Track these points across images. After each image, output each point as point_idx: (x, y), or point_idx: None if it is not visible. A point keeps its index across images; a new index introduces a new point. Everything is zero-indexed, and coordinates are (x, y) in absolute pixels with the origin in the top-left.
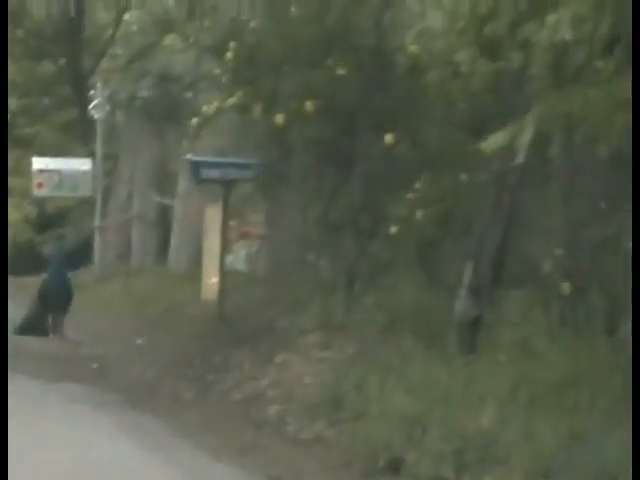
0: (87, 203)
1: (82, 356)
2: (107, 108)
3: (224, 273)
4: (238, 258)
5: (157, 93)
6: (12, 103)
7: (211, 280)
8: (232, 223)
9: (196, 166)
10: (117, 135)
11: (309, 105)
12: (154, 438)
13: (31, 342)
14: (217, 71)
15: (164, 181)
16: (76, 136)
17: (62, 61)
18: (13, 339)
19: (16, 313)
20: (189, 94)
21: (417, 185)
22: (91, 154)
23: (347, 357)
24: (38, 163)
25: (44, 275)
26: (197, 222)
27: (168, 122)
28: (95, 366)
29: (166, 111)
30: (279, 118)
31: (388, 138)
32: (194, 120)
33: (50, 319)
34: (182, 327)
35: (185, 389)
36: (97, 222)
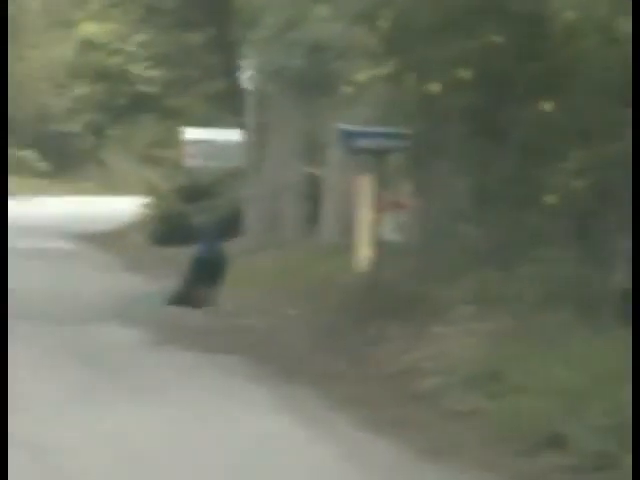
0: (237, 174)
1: (235, 328)
2: (257, 78)
3: (376, 244)
4: (388, 228)
5: (307, 63)
6: (161, 74)
7: (363, 251)
8: (383, 193)
9: (348, 135)
10: (267, 105)
11: (463, 73)
12: (310, 412)
13: (183, 314)
14: (369, 40)
15: (313, 151)
16: (225, 107)
17: (211, 31)
18: (166, 310)
19: (166, 284)
20: (339, 64)
21: (573, 154)
22: (239, 125)
23: (503, 329)
24: (190, 134)
25: (197, 246)
26: (347, 193)
27: (317, 92)
28: (248, 338)
29: (315, 81)
30: (433, 87)
31: (544, 106)
32: (346, 89)
33: (203, 290)
34: (333, 298)
35: (339, 361)
36: (247, 193)
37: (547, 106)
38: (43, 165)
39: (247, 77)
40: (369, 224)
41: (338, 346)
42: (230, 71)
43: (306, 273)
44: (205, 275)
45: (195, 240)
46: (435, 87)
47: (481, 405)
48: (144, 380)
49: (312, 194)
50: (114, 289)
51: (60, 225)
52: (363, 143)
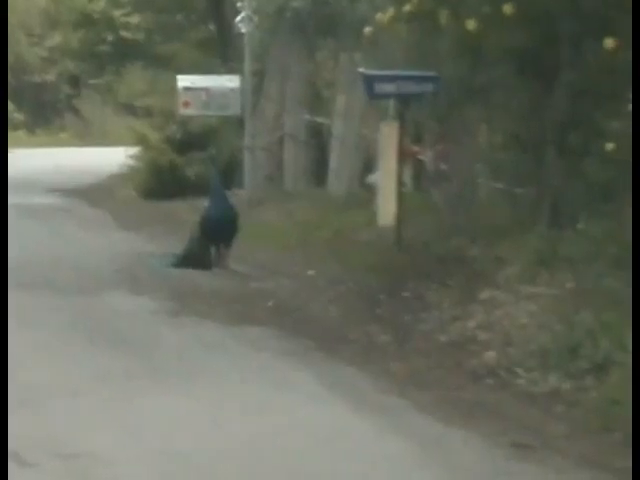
0: (234, 122)
1: (253, 292)
2: (254, 21)
3: (402, 197)
4: (412, 180)
5: (310, 3)
6: (147, 19)
7: (387, 204)
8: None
9: (369, 80)
10: (265, 50)
11: (506, 9)
12: (364, 397)
13: (194, 277)
14: None
15: (316, 98)
16: (218, 53)
17: None
18: (174, 274)
19: (166, 243)
20: (345, 3)
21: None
22: (231, 71)
23: (564, 294)
24: (184, 81)
25: (206, 202)
26: (359, 142)
27: (322, 35)
28: (270, 304)
29: (320, 23)
30: (470, 24)
31: (604, 44)
32: (366, 30)
33: (213, 250)
34: (357, 257)
35: (379, 332)
36: (246, 142)
37: (608, 43)
38: (19, 116)
39: (244, 20)
40: (393, 175)
41: (374, 314)
42: (222, 14)
43: (320, 228)
44: (217, 234)
45: (185, 193)
46: (472, 24)
47: (560, 386)
48: (168, 361)
49: (316, 143)
50: (113, 250)
51: (43, 179)
52: (388, 87)
